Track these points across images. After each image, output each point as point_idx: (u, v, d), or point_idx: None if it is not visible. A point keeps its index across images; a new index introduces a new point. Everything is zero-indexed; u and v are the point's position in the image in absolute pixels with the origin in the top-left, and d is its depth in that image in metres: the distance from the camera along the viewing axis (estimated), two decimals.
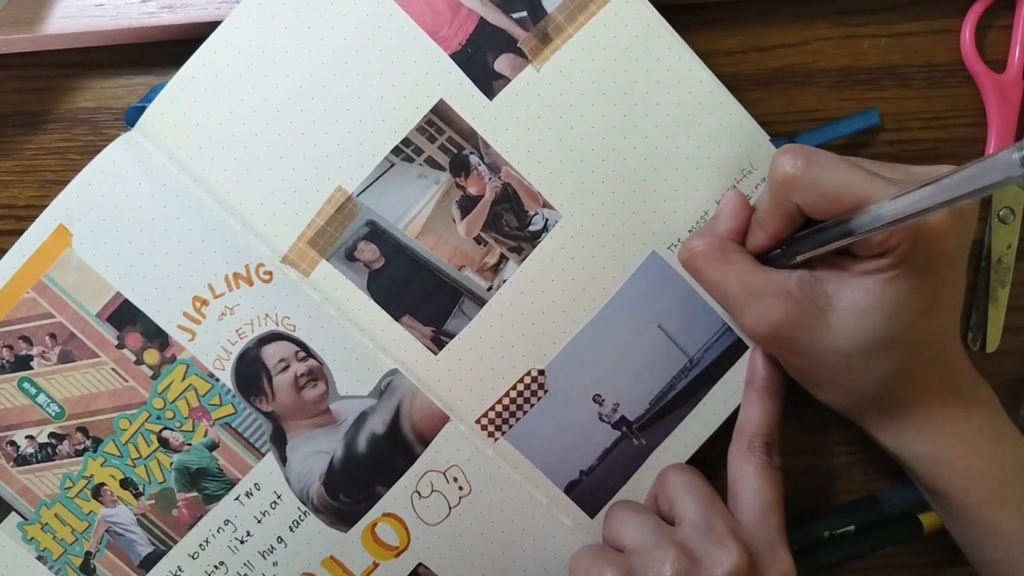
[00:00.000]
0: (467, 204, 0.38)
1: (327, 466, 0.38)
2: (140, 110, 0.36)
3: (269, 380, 0.38)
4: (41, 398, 0.38)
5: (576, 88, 0.38)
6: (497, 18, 0.37)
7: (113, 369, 0.37)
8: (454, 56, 0.37)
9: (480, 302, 0.38)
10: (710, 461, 0.39)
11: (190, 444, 0.38)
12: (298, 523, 0.39)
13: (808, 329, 0.34)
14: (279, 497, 0.38)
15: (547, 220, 0.38)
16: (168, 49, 0.38)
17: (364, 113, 0.37)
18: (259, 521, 0.38)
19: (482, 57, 0.37)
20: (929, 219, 0.31)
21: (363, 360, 0.38)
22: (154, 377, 0.38)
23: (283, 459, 0.38)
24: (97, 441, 0.38)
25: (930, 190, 0.28)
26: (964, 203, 0.27)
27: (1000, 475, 0.35)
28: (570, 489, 0.39)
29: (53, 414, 0.38)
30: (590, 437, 0.39)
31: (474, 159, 0.38)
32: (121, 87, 0.40)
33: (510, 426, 0.39)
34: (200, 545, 0.39)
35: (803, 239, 0.34)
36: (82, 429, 0.38)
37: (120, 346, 0.37)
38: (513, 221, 0.38)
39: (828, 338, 0.34)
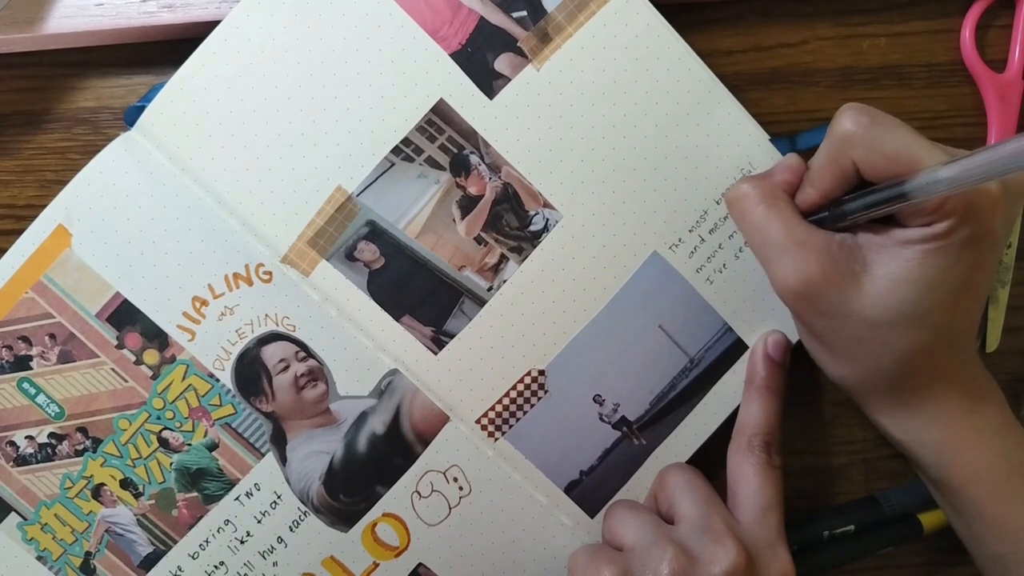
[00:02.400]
0: (467, 204, 0.38)
1: (327, 466, 0.38)
2: (140, 110, 0.36)
3: (269, 380, 0.38)
4: (41, 398, 0.38)
5: (576, 87, 0.38)
6: (497, 17, 0.37)
7: (113, 369, 0.37)
8: (454, 55, 0.37)
9: (480, 302, 0.38)
10: (710, 461, 0.39)
11: (190, 444, 0.38)
12: (298, 523, 0.39)
13: (840, 290, 0.34)
14: (279, 497, 0.38)
15: (548, 220, 0.38)
16: (168, 49, 0.38)
17: (364, 113, 0.37)
18: (259, 521, 0.38)
19: (482, 56, 0.37)
20: (980, 195, 0.31)
21: (363, 360, 0.38)
22: (154, 377, 0.38)
23: (283, 459, 0.38)
24: (97, 441, 0.38)
25: (989, 155, 0.28)
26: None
27: (1007, 468, 0.35)
28: (570, 489, 0.39)
29: (53, 414, 0.38)
30: (590, 437, 0.39)
31: (474, 159, 0.38)
32: (121, 87, 0.40)
33: (510, 426, 0.39)
34: (200, 545, 0.39)
35: (853, 200, 0.34)
36: (82, 429, 0.38)
37: (120, 346, 0.37)
38: (513, 221, 0.38)
39: (858, 303, 0.33)
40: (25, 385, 0.38)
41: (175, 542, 0.39)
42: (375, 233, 0.38)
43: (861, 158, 0.33)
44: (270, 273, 0.37)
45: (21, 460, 0.38)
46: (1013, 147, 0.27)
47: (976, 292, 0.35)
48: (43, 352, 0.37)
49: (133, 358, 0.37)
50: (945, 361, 0.35)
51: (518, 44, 0.37)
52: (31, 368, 0.37)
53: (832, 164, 0.34)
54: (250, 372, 0.38)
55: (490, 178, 0.38)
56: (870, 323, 0.34)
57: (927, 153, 0.32)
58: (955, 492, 0.36)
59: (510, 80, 0.37)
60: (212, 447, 0.38)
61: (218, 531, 0.38)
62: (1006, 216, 0.33)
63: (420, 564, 0.39)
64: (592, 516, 0.40)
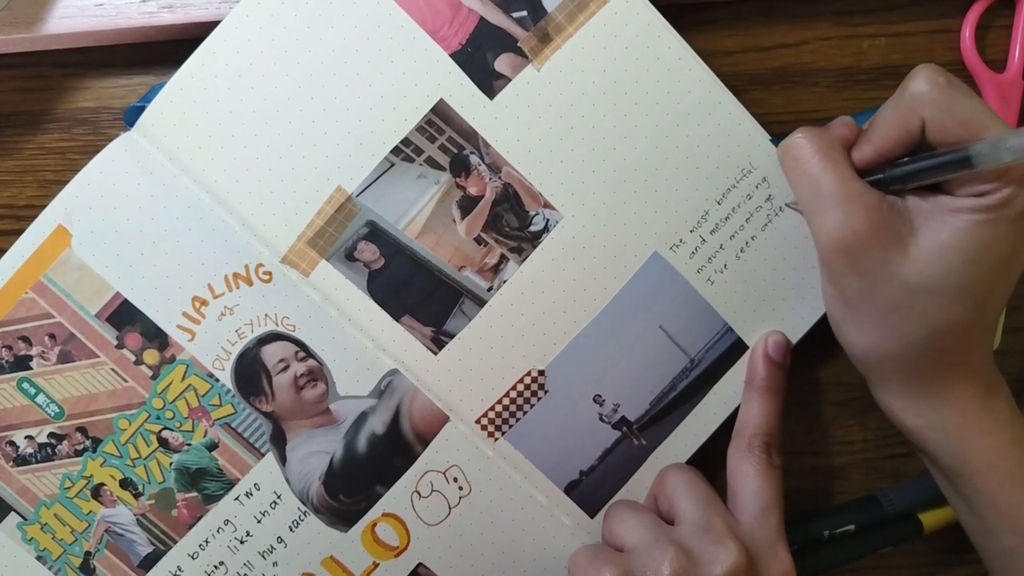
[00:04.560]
0: (467, 204, 0.38)
1: (327, 466, 0.38)
2: (139, 110, 0.36)
3: (269, 380, 0.38)
4: (40, 398, 0.38)
5: (576, 88, 0.38)
6: (497, 17, 0.37)
7: (112, 369, 0.37)
8: (454, 56, 0.37)
9: (480, 302, 0.38)
10: (710, 461, 0.39)
11: (190, 444, 0.38)
12: (298, 523, 0.39)
13: (885, 250, 0.33)
14: (279, 497, 0.38)
15: (548, 220, 0.38)
16: (168, 49, 0.38)
17: (364, 113, 0.37)
18: (259, 521, 0.38)
19: (482, 57, 0.37)
20: None
21: (363, 360, 0.38)
22: (154, 377, 0.38)
23: (283, 459, 0.38)
24: (96, 441, 0.38)
25: None
26: None
27: (1019, 456, 0.35)
28: (570, 489, 0.39)
29: (52, 414, 0.38)
30: (590, 437, 0.39)
31: (474, 159, 0.38)
32: (121, 87, 0.40)
33: (510, 426, 0.39)
34: (200, 545, 0.39)
35: (913, 162, 0.34)
36: (81, 429, 0.38)
37: (119, 346, 0.37)
38: (514, 221, 0.38)
39: (902, 267, 0.33)
40: (25, 385, 0.38)
41: (175, 542, 0.39)
42: (375, 233, 0.38)
43: (932, 118, 0.33)
44: (270, 273, 0.37)
45: (21, 460, 0.38)
46: None
47: (1013, 273, 0.34)
48: (43, 352, 0.37)
49: (133, 358, 0.37)
50: (973, 342, 0.35)
51: (518, 44, 0.37)
52: (31, 368, 0.37)
53: (900, 121, 0.34)
54: (250, 372, 0.38)
55: (490, 178, 0.38)
56: (910, 289, 0.33)
57: (995, 123, 0.32)
58: (968, 481, 0.35)
59: (510, 80, 0.37)
60: (212, 447, 0.38)
61: (218, 531, 0.38)
62: None
63: (420, 564, 0.39)
64: (592, 516, 0.40)
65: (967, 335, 0.34)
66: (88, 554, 0.38)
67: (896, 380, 0.36)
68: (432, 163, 0.38)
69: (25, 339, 0.37)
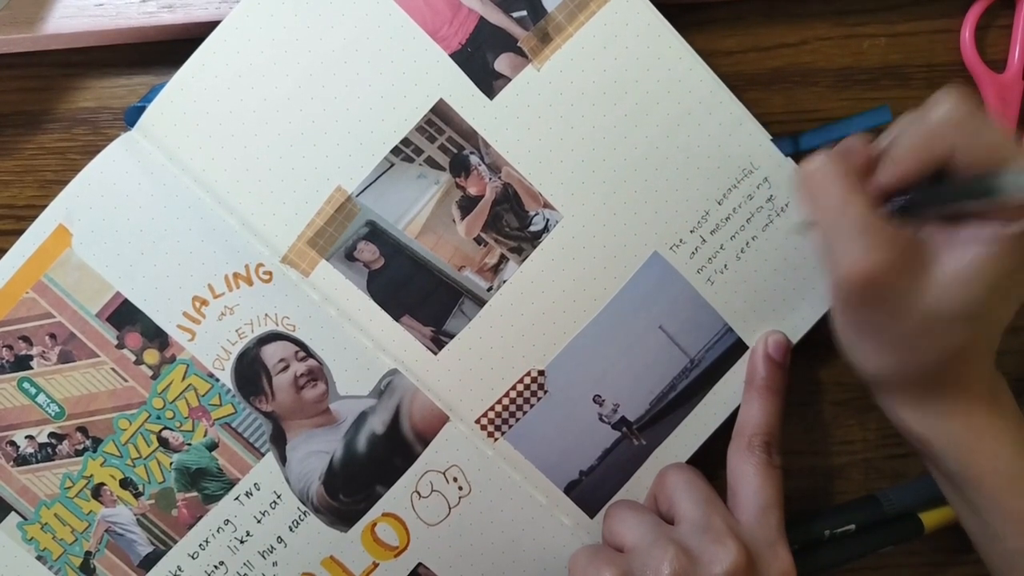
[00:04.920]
0: (467, 204, 0.38)
1: (327, 466, 0.38)
2: (140, 110, 0.36)
3: (269, 380, 0.38)
4: (41, 398, 0.38)
5: (577, 87, 0.38)
6: (497, 17, 0.37)
7: (113, 369, 0.37)
8: (454, 56, 0.37)
9: (480, 302, 0.38)
10: (710, 461, 0.39)
11: (190, 444, 0.38)
12: (298, 523, 0.39)
13: (905, 282, 0.33)
14: (279, 497, 0.38)
15: (548, 220, 0.38)
16: (168, 49, 0.38)
17: (364, 113, 0.37)
18: (259, 521, 0.38)
19: (482, 57, 0.37)
20: None
21: (363, 360, 0.38)
22: (154, 377, 0.38)
23: (283, 459, 0.38)
24: (97, 441, 0.38)
25: None
26: None
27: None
28: (570, 489, 0.39)
29: (53, 414, 0.38)
30: (590, 437, 0.39)
31: (474, 159, 0.38)
32: (121, 87, 0.40)
33: (510, 426, 0.39)
34: (200, 545, 0.39)
35: (937, 189, 0.33)
36: (82, 429, 0.38)
37: (120, 346, 0.37)
38: (513, 221, 0.38)
39: (921, 296, 0.33)
40: (25, 385, 0.38)
41: (175, 542, 0.39)
42: (375, 233, 0.38)
43: (962, 143, 0.32)
44: (270, 273, 0.37)
45: (21, 460, 0.38)
46: None
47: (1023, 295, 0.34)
48: (43, 352, 0.37)
49: (133, 358, 0.37)
50: (980, 359, 0.35)
51: (518, 44, 0.37)
52: (31, 368, 0.38)
53: (926, 146, 0.32)
54: (250, 372, 0.38)
55: (490, 178, 0.38)
56: (927, 318, 0.33)
57: (1019, 152, 0.31)
58: (972, 485, 0.35)
59: (510, 80, 0.37)
60: (212, 447, 0.38)
61: (218, 531, 0.38)
62: None
63: (420, 564, 0.39)
64: (592, 516, 0.40)
65: (978, 351, 0.34)
66: (88, 554, 0.38)
67: (901, 391, 0.36)
68: (432, 163, 0.38)
69: (25, 339, 0.37)
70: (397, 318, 0.38)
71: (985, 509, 0.35)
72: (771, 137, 0.39)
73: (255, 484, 0.38)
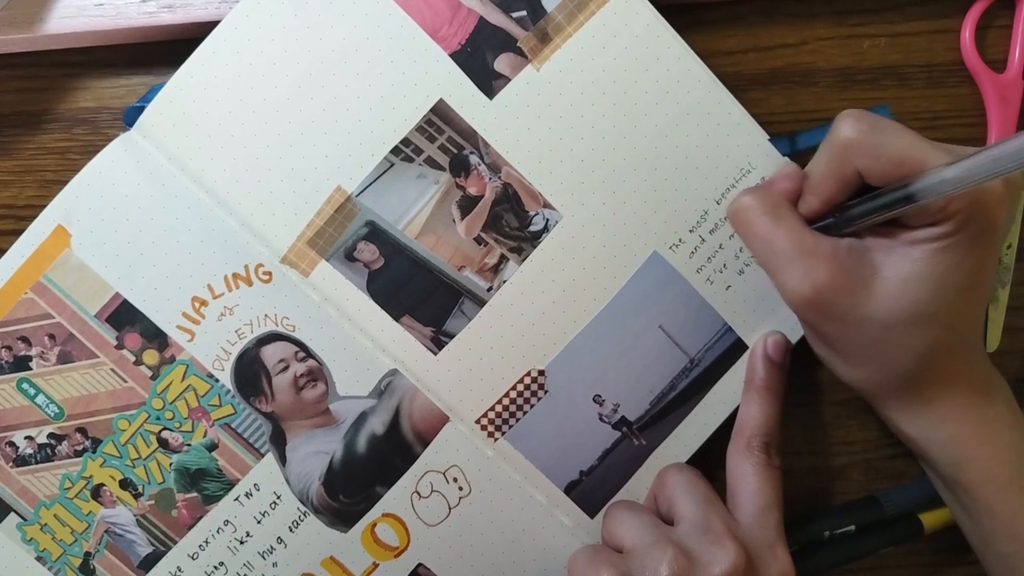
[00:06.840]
0: (467, 204, 0.38)
1: (327, 466, 0.38)
2: (139, 110, 0.36)
3: (268, 380, 0.38)
4: (40, 399, 0.38)
5: (576, 87, 0.38)
6: (497, 17, 0.37)
7: (112, 370, 0.37)
8: (454, 56, 0.37)
9: (480, 302, 0.38)
10: (710, 461, 0.39)
11: (189, 445, 0.38)
12: (298, 523, 0.39)
13: (851, 295, 0.34)
14: (279, 497, 0.38)
15: (548, 220, 0.38)
16: (168, 49, 0.38)
17: (363, 113, 0.37)
18: (259, 522, 0.38)
19: (482, 57, 0.37)
20: (984, 193, 0.32)
21: (363, 360, 0.38)
22: (153, 378, 0.38)
23: (283, 459, 0.38)
24: (96, 442, 0.38)
25: (993, 153, 0.28)
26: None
27: (1018, 464, 0.35)
28: (570, 489, 0.39)
29: (52, 415, 0.38)
30: (590, 437, 0.39)
31: (474, 159, 0.38)
32: (121, 87, 0.40)
33: (510, 426, 0.39)
34: (200, 546, 0.39)
35: (858, 206, 0.34)
36: (81, 430, 0.38)
37: (119, 347, 0.37)
38: (513, 221, 0.38)
39: (870, 306, 0.33)
40: (24, 385, 0.38)
41: (175, 542, 0.38)
42: (375, 233, 0.38)
43: (866, 165, 0.33)
44: (270, 273, 0.37)
45: (21, 460, 0.38)
46: (1016, 145, 0.27)
47: (982, 289, 0.35)
48: (42, 352, 0.37)
49: (133, 358, 0.37)
50: (956, 358, 0.35)
51: (518, 44, 0.37)
52: (30, 368, 0.37)
53: (835, 172, 0.34)
54: (250, 372, 0.38)
55: (490, 178, 0.38)
56: (884, 325, 0.34)
57: (930, 154, 0.32)
58: (966, 490, 0.36)
59: (510, 80, 0.37)
60: (212, 447, 0.38)
61: (218, 531, 0.38)
62: (1011, 208, 0.33)
63: (420, 564, 0.39)
64: (592, 516, 0.40)
65: (948, 353, 0.35)
66: (88, 554, 0.38)
67: (892, 397, 0.36)
68: (432, 163, 0.38)
69: (25, 339, 0.37)
70: (397, 318, 0.38)
71: (977, 512, 0.36)
72: (769, 137, 0.39)
73: (255, 485, 0.38)
